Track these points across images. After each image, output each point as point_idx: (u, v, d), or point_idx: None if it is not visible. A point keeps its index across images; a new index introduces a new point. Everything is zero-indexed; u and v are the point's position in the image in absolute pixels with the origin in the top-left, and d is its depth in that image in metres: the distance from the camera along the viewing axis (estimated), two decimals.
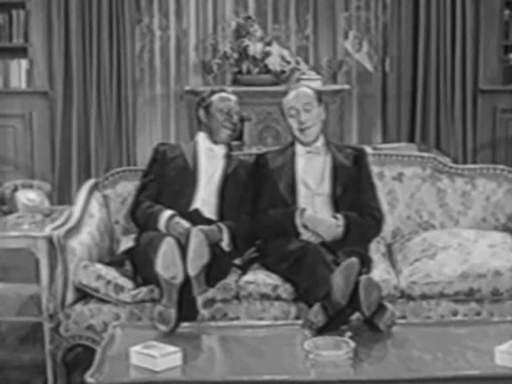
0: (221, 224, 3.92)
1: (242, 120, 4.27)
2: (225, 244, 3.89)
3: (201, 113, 4.18)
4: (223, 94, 4.19)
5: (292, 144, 4.16)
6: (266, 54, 6.85)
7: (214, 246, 3.75)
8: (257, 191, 4.07)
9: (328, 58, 7.21)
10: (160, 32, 7.24)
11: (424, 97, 6.88)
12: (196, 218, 3.90)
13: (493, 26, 6.84)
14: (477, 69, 6.85)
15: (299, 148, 4.11)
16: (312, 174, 4.05)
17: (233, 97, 4.19)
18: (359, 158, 4.13)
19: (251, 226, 3.99)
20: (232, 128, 4.12)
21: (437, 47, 6.82)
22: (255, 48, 6.86)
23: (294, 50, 7.18)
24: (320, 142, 4.12)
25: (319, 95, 4.16)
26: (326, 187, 4.02)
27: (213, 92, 4.21)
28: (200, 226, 3.73)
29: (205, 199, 4.02)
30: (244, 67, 6.88)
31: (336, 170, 4.04)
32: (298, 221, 3.88)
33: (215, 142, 4.14)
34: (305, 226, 3.87)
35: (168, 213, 3.89)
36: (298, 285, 3.66)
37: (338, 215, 3.89)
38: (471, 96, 6.86)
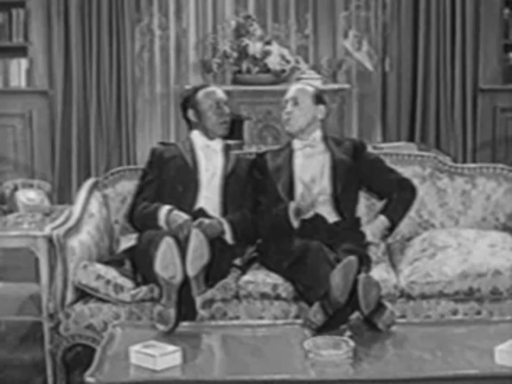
0: (220, 218, 3.91)
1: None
2: (228, 237, 3.88)
3: (191, 113, 4.15)
4: (207, 89, 4.16)
5: (290, 143, 4.16)
6: (266, 53, 6.84)
7: (217, 240, 3.75)
8: (257, 191, 4.07)
9: (328, 58, 7.21)
10: (160, 32, 7.24)
11: (424, 96, 6.88)
12: (201, 217, 3.89)
13: (493, 25, 6.83)
14: (477, 68, 6.85)
15: (296, 142, 4.11)
16: (310, 172, 4.05)
17: (218, 90, 4.17)
18: (358, 150, 4.13)
19: (252, 221, 3.99)
20: (226, 120, 4.11)
21: (436, 46, 6.81)
22: (255, 47, 6.86)
23: (294, 49, 7.18)
24: (317, 135, 4.11)
25: (318, 94, 4.14)
26: (326, 186, 4.02)
27: (195, 90, 4.19)
28: (200, 219, 3.77)
29: (208, 197, 4.01)
30: (244, 66, 6.87)
31: (336, 169, 4.03)
32: (292, 209, 3.85)
33: (211, 137, 4.13)
34: (298, 212, 3.86)
35: (166, 208, 3.88)
36: (299, 283, 3.65)
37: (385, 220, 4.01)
38: (471, 95, 6.86)
